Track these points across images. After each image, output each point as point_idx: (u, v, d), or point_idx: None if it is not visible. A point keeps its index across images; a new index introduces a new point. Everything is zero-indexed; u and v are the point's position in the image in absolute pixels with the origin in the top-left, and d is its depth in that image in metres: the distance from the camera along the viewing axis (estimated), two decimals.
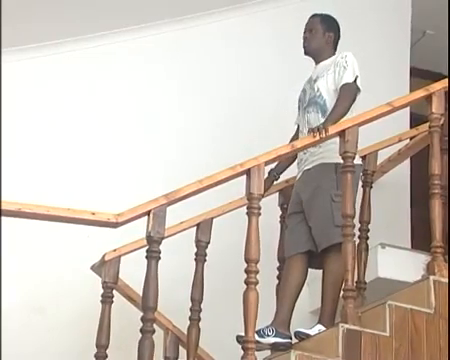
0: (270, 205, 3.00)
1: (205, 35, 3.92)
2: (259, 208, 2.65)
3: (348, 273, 2.73)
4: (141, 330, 2.50)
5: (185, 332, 3.07)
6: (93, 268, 3.04)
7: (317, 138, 2.75)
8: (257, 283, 2.58)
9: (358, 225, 3.12)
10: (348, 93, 2.92)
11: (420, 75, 4.45)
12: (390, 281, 3.29)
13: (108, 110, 3.79)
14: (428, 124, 2.95)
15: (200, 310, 3.04)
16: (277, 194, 3.26)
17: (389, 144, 3.51)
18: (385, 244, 3.47)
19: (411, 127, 3.87)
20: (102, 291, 2.93)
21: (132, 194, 3.16)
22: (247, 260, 2.60)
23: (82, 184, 3.59)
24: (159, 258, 2.55)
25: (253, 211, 2.64)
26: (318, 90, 3.01)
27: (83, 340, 3.14)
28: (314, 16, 3.16)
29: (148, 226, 2.55)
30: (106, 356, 2.88)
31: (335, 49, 3.13)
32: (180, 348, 3.12)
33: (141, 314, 2.54)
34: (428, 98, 2.90)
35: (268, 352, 2.94)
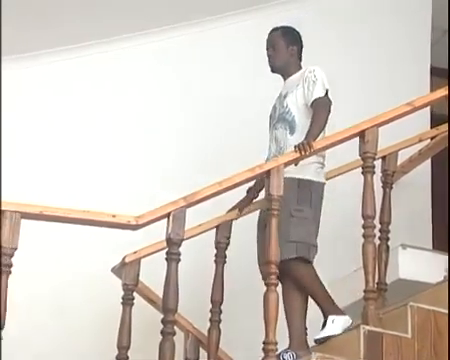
0: None
1: (208, 39, 3.92)
2: (278, 209, 2.65)
3: (369, 274, 2.72)
4: (162, 332, 2.51)
5: (205, 334, 3.07)
6: (113, 270, 3.05)
7: (302, 154, 2.71)
8: (277, 285, 2.57)
9: (379, 226, 3.10)
10: (322, 107, 2.88)
11: (441, 74, 4.41)
12: (411, 282, 3.26)
13: (126, 113, 3.82)
14: (449, 124, 2.92)
15: (220, 312, 3.04)
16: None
17: (410, 144, 3.48)
18: (406, 245, 3.44)
19: (432, 127, 3.83)
20: (123, 293, 2.94)
21: (150, 197, 3.17)
22: (267, 262, 2.60)
23: (101, 187, 3.62)
24: (179, 260, 2.56)
25: (273, 212, 2.64)
26: (287, 106, 2.96)
27: (104, 342, 3.15)
28: (274, 30, 3.08)
29: (168, 228, 2.56)
30: (127, 358, 2.90)
31: (300, 60, 3.09)
32: (200, 350, 3.12)
33: (161, 316, 2.55)
34: (449, 97, 2.88)
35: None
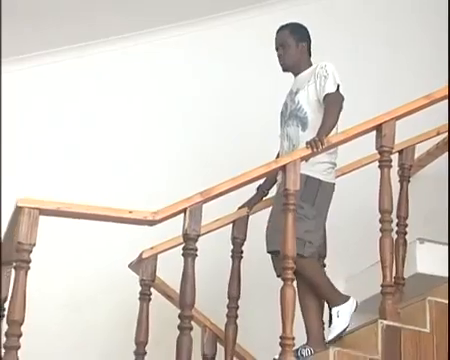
0: None
1: (211, 37, 3.92)
2: (294, 204, 2.64)
3: (386, 269, 2.70)
4: (179, 327, 2.51)
5: (222, 329, 3.08)
6: (131, 266, 3.06)
7: (314, 151, 2.68)
8: (294, 280, 2.57)
9: (396, 220, 3.08)
10: (334, 103, 2.85)
11: None
12: (429, 276, 3.24)
13: (142, 110, 3.83)
14: (449, 123, 2.89)
15: (237, 307, 3.04)
16: None
17: (427, 138, 3.45)
18: (424, 239, 3.42)
19: None
20: (140, 289, 2.95)
21: (166, 193, 3.18)
22: (284, 256, 2.59)
23: (118, 184, 3.64)
24: (196, 255, 2.56)
25: (289, 207, 2.63)
26: (298, 103, 2.94)
27: (122, 337, 3.17)
28: (282, 29, 3.04)
29: (184, 224, 2.56)
30: (145, 353, 2.91)
31: (310, 55, 3.06)
32: (218, 345, 3.12)
33: (179, 311, 2.56)
34: (449, 97, 2.84)
35: None
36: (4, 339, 2.30)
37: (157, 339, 2.99)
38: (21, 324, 2.29)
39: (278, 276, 2.83)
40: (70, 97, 3.71)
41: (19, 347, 2.27)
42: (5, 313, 2.41)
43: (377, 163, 2.84)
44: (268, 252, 2.86)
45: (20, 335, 2.28)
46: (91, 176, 3.65)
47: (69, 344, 3.33)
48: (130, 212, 2.53)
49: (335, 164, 2.95)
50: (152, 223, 2.56)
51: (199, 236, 2.57)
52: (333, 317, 2.75)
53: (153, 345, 2.93)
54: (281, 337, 2.53)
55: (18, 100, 3.60)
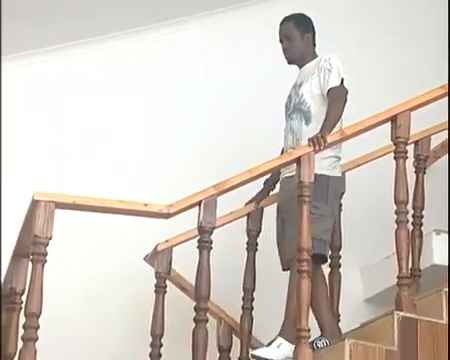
0: None
1: (213, 33, 3.90)
2: (310, 196, 2.63)
3: (402, 260, 2.69)
4: (194, 319, 2.52)
5: (238, 321, 3.08)
6: (146, 259, 3.08)
7: (316, 149, 2.64)
8: (310, 272, 2.56)
9: (411, 212, 3.06)
10: (338, 97, 2.81)
11: None
12: (445, 268, 3.21)
13: (155, 103, 3.83)
14: (449, 123, 2.86)
15: (252, 299, 3.05)
16: None
17: (443, 128, 3.42)
18: (440, 230, 3.39)
19: None
20: (155, 281, 2.96)
21: (181, 186, 3.18)
22: (299, 249, 2.59)
23: (132, 177, 3.65)
24: (211, 248, 2.56)
25: (304, 199, 2.62)
26: (302, 96, 2.90)
27: (138, 329, 3.19)
28: (286, 20, 2.99)
29: (199, 216, 2.56)
30: (161, 345, 2.93)
31: (315, 46, 3.02)
32: (233, 337, 3.13)
33: (194, 304, 2.57)
34: (449, 97, 2.81)
35: None
36: (22, 331, 2.33)
37: (173, 331, 3.00)
38: (38, 316, 2.31)
39: (284, 269, 2.83)
40: (80, 91, 3.72)
41: (37, 339, 2.30)
42: (22, 306, 2.44)
43: (393, 154, 2.82)
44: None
45: (37, 327, 2.30)
46: (106, 170, 3.66)
47: (85, 336, 3.35)
48: (145, 205, 2.54)
49: (339, 158, 2.91)
50: (167, 216, 2.57)
51: (214, 228, 2.57)
52: (274, 343, 2.68)
53: (169, 337, 2.94)
54: (297, 329, 2.52)
55: (30, 96, 3.62)
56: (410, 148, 2.92)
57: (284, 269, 2.90)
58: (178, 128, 3.82)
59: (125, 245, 3.48)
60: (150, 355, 2.93)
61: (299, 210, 2.62)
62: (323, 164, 2.80)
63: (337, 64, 2.87)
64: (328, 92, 2.83)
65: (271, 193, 3.12)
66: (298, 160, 2.66)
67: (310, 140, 2.67)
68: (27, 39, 3.48)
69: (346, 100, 2.84)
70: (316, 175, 2.72)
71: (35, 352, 2.28)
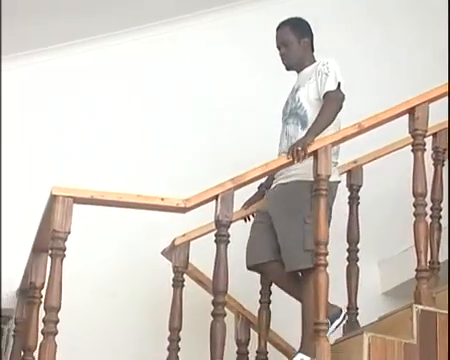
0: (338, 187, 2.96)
1: (214, 29, 3.89)
2: (326, 189, 2.62)
3: (421, 253, 2.68)
4: (212, 313, 2.53)
5: (256, 315, 3.08)
6: (163, 253, 3.09)
7: (295, 162, 2.59)
8: (327, 265, 2.56)
9: (430, 204, 3.04)
10: (332, 101, 2.72)
11: None
12: None
13: (171, 98, 3.84)
14: (449, 123, 2.82)
15: (270, 293, 3.05)
16: (345, 175, 3.22)
17: None
18: None
19: None
20: (173, 275, 2.97)
21: (197, 180, 3.19)
22: (316, 242, 2.58)
23: (149, 172, 3.66)
24: (228, 242, 2.56)
25: (321, 192, 2.62)
26: (299, 100, 2.83)
27: (156, 323, 3.20)
28: (282, 26, 2.92)
29: (216, 210, 2.57)
30: (179, 339, 2.94)
31: (313, 50, 2.95)
32: (251, 331, 3.13)
33: (212, 297, 2.57)
34: (449, 97, 2.77)
35: (340, 333, 2.92)
36: (42, 325, 2.35)
37: (190, 325, 3.01)
38: (58, 310, 2.33)
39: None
40: (90, 88, 3.72)
41: (56, 333, 2.32)
42: (42, 300, 2.46)
43: (411, 147, 2.80)
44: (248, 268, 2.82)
45: (57, 321, 2.32)
46: (123, 165, 3.67)
47: (104, 330, 3.37)
48: (162, 199, 2.54)
49: (337, 163, 2.84)
50: (184, 210, 2.58)
51: (231, 222, 2.58)
52: (295, 359, 2.63)
53: (187, 331, 2.95)
54: (315, 322, 2.52)
55: (40, 93, 3.63)
56: (428, 140, 2.90)
57: (250, 268, 2.85)
58: (193, 123, 3.82)
59: (142, 239, 3.50)
60: (168, 349, 2.94)
61: (316, 204, 2.61)
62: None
63: (335, 68, 2.80)
64: (324, 96, 2.77)
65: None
66: (315, 153, 2.66)
67: (289, 152, 2.62)
68: (27, 39, 3.49)
69: (341, 105, 2.77)
70: (311, 183, 2.67)
71: (55, 345, 2.30)
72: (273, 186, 2.90)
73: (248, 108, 3.84)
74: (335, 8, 4.14)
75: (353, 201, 3.15)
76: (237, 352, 3.09)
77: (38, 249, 2.61)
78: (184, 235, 3.00)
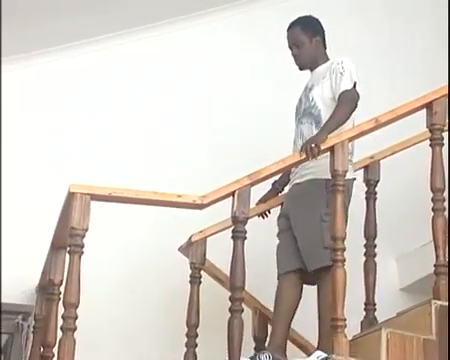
0: (355, 182, 2.94)
1: (221, 29, 3.88)
2: (344, 185, 2.62)
3: (439, 249, 2.66)
4: (230, 309, 2.53)
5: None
6: (180, 249, 3.09)
7: (309, 159, 2.57)
8: (344, 261, 2.55)
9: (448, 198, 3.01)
10: (348, 101, 2.68)
11: None
12: None
13: (189, 96, 3.85)
14: (449, 124, 2.78)
15: None
16: (362, 170, 3.20)
17: None
18: None
19: None
20: (190, 272, 2.98)
21: (214, 177, 3.19)
22: (333, 238, 2.58)
23: (165, 169, 3.67)
24: (245, 238, 2.57)
25: (338, 188, 2.61)
26: (313, 100, 2.80)
27: (174, 320, 3.21)
28: (293, 26, 2.87)
29: (233, 207, 2.57)
30: (196, 335, 2.94)
31: (325, 48, 2.90)
32: (269, 327, 3.13)
33: (229, 294, 2.57)
34: (449, 97, 2.72)
35: (358, 329, 2.91)
36: (61, 321, 2.37)
37: (208, 322, 3.02)
38: (77, 307, 2.35)
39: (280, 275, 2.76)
40: (98, 87, 3.74)
41: (75, 329, 2.34)
42: (61, 296, 2.48)
43: (428, 141, 2.78)
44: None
45: (76, 317, 2.34)
46: (140, 162, 3.69)
47: (121, 326, 3.39)
48: (179, 196, 2.55)
49: (351, 160, 2.81)
50: (201, 207, 2.58)
51: (248, 219, 2.58)
52: (313, 354, 2.58)
53: (204, 327, 2.96)
54: (333, 318, 2.51)
55: (51, 92, 3.66)
56: (446, 135, 2.87)
57: (280, 274, 2.80)
58: (209, 121, 3.83)
59: (159, 236, 3.51)
60: (186, 345, 2.95)
61: (333, 199, 2.60)
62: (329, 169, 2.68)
63: (350, 67, 2.77)
64: (340, 95, 2.73)
65: (280, 195, 3.03)
66: (331, 149, 2.65)
67: (302, 149, 2.60)
68: (27, 39, 3.51)
69: (356, 105, 2.73)
70: (328, 180, 2.66)
71: (74, 341, 2.32)
72: (289, 187, 2.89)
73: (267, 104, 3.84)
74: (350, 2, 4.12)
75: (370, 196, 3.13)
76: (255, 348, 3.08)
77: (56, 246, 2.63)
78: (201, 231, 3.01)
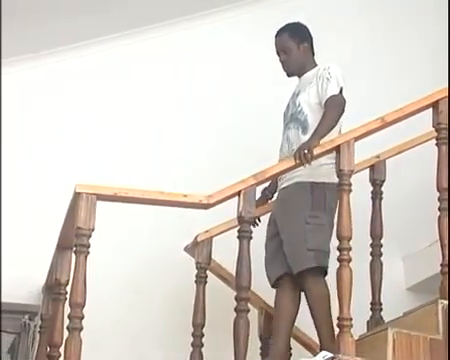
0: (360, 182, 2.94)
1: (222, 27, 3.88)
2: (350, 185, 2.61)
3: (445, 248, 2.65)
4: (235, 309, 2.53)
5: None
6: (186, 249, 3.10)
7: (303, 164, 2.59)
8: (350, 260, 2.55)
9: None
10: (335, 106, 2.70)
11: None
12: None
13: (194, 96, 3.85)
14: (449, 124, 2.76)
15: None
16: (368, 170, 3.20)
17: None
18: None
19: None
20: (196, 272, 2.98)
21: (219, 177, 3.20)
22: (340, 237, 2.57)
23: (170, 169, 3.67)
24: (251, 237, 2.57)
25: (344, 188, 2.61)
26: (299, 105, 2.81)
27: (180, 319, 3.22)
28: (281, 32, 2.90)
29: (239, 206, 2.57)
30: (203, 335, 2.94)
31: (313, 54, 2.91)
32: None
33: (235, 293, 2.57)
34: (449, 97, 2.70)
35: (364, 329, 2.90)
36: (67, 321, 2.37)
37: (214, 321, 3.02)
38: (83, 307, 2.35)
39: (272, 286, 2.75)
40: (103, 87, 3.75)
41: (82, 329, 2.34)
42: (67, 296, 2.48)
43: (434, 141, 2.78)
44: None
45: (82, 317, 2.35)
46: (144, 162, 3.69)
47: (127, 326, 3.39)
48: (185, 196, 2.56)
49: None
50: (207, 206, 2.58)
51: (254, 218, 2.58)
52: (319, 355, 2.55)
53: (210, 327, 2.96)
54: (338, 318, 2.51)
55: (56, 92, 3.66)
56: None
57: (273, 286, 2.80)
58: (213, 121, 3.83)
59: (165, 236, 3.51)
60: (192, 345, 2.95)
61: (340, 199, 2.60)
62: (320, 171, 2.72)
63: (336, 73, 2.77)
64: (326, 101, 2.74)
65: (269, 201, 3.01)
66: (337, 148, 2.64)
67: (295, 154, 2.61)
68: (31, 40, 3.51)
69: (343, 110, 2.75)
70: (313, 183, 2.69)
71: (80, 341, 2.33)
72: (277, 192, 2.90)
73: (271, 105, 3.83)
74: (356, 2, 4.12)
75: (376, 196, 3.12)
76: (261, 348, 3.09)
77: (63, 246, 2.64)
78: (207, 231, 3.01)
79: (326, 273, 2.70)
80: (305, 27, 2.94)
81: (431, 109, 2.76)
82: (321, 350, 2.63)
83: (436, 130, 2.76)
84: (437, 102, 2.72)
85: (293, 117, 2.85)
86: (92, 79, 3.74)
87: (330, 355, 2.53)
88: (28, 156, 3.54)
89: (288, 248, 2.70)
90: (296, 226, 2.66)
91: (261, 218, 2.97)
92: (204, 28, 3.90)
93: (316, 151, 2.63)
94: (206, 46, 3.92)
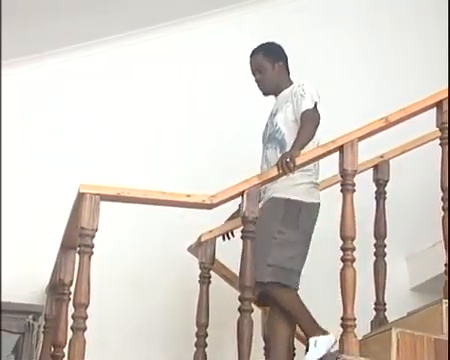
0: (364, 182, 2.94)
1: (224, 28, 3.89)
2: (353, 184, 2.61)
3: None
4: (239, 309, 2.53)
5: None
6: (190, 249, 3.10)
7: (286, 173, 2.58)
8: (354, 260, 2.54)
9: None
10: (310, 119, 2.72)
11: None
12: None
13: (197, 96, 3.85)
14: (449, 124, 2.75)
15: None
16: (372, 169, 3.19)
17: None
18: None
19: None
20: (199, 272, 2.98)
21: (222, 177, 3.20)
22: (343, 237, 2.57)
23: (173, 169, 3.67)
24: (254, 237, 2.56)
25: (348, 188, 2.61)
26: (276, 125, 2.82)
27: (183, 319, 3.22)
28: (255, 53, 2.91)
29: (242, 206, 2.57)
30: (206, 335, 2.94)
31: (289, 72, 2.92)
32: None
33: (238, 294, 2.57)
34: (449, 97, 2.69)
35: (368, 329, 2.90)
36: (71, 321, 2.38)
37: (218, 321, 3.02)
38: (87, 307, 2.35)
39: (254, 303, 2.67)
40: (105, 88, 3.75)
41: (85, 329, 2.34)
42: (71, 296, 2.49)
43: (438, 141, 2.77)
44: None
45: (86, 317, 2.35)
46: (147, 162, 3.70)
47: (131, 326, 3.40)
48: (188, 196, 2.55)
49: (316, 183, 2.81)
50: (210, 206, 2.58)
51: (257, 218, 2.57)
52: (310, 345, 2.61)
53: (214, 327, 2.96)
54: (342, 318, 2.51)
55: (60, 92, 3.67)
56: None
57: (256, 301, 2.73)
58: (216, 121, 3.83)
59: (169, 236, 3.51)
60: (196, 345, 2.95)
61: (343, 199, 2.60)
62: (297, 190, 2.71)
63: (310, 89, 2.78)
64: (301, 116, 2.76)
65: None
66: (340, 148, 2.64)
67: (278, 163, 2.60)
68: (34, 40, 3.51)
69: (318, 123, 2.76)
70: (288, 200, 2.68)
71: (84, 341, 2.33)
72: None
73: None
74: (359, 2, 4.11)
75: (380, 196, 3.12)
76: (264, 348, 3.09)
77: (66, 246, 2.64)
78: (210, 231, 3.01)
79: (296, 290, 2.69)
80: (280, 46, 2.97)
81: (435, 109, 2.76)
82: (307, 336, 2.64)
83: (440, 130, 2.75)
84: (441, 102, 2.72)
85: (271, 137, 2.86)
86: (95, 79, 3.75)
87: (315, 338, 2.56)
88: (31, 156, 3.55)
89: (255, 259, 2.65)
90: (263, 239, 2.65)
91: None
92: (208, 28, 3.91)
93: (298, 160, 2.62)
94: (210, 46, 3.93)
